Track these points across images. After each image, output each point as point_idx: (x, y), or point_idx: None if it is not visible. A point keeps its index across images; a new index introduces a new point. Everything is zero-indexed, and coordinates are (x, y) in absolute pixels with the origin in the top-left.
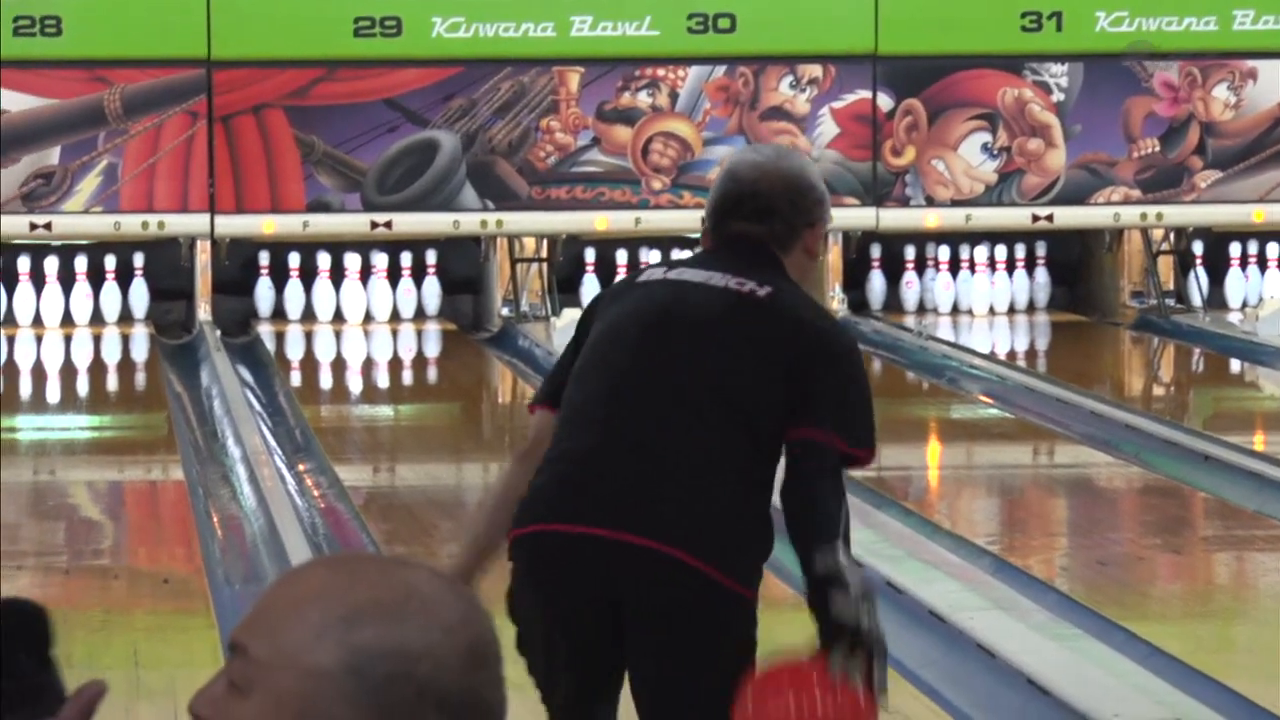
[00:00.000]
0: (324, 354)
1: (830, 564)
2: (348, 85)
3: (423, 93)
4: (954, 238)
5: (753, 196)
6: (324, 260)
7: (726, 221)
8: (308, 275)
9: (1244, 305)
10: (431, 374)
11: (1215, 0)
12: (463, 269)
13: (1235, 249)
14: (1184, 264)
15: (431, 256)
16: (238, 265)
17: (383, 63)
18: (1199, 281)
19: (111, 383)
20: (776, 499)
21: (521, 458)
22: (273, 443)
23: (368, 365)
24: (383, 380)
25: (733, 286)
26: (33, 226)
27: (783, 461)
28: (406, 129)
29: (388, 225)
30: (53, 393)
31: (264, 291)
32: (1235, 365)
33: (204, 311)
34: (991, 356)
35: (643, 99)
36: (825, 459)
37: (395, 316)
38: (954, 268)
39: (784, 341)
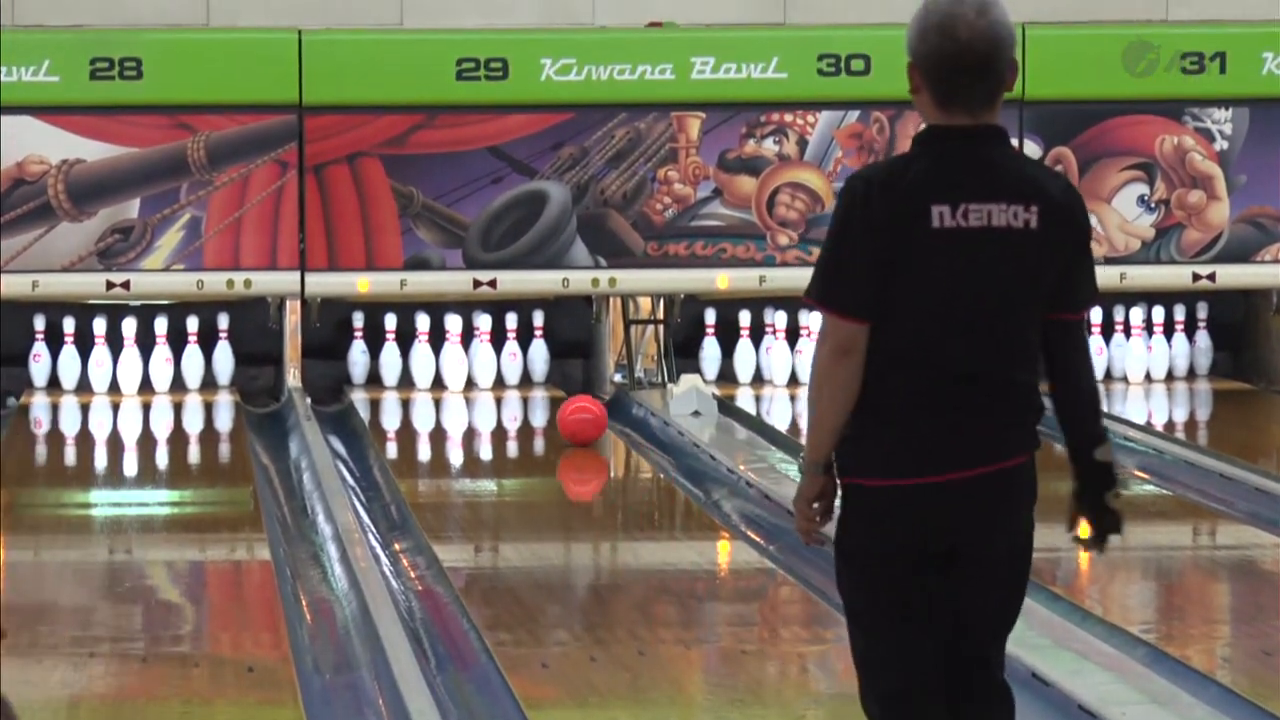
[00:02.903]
0: (422, 424)
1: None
2: (449, 132)
3: (530, 140)
4: (1107, 298)
5: (984, 73)
6: (423, 322)
7: (955, 98)
8: (405, 338)
9: None
10: (539, 445)
11: None
12: (572, 331)
13: None
14: None
15: (539, 318)
16: (330, 327)
17: (487, 108)
18: None
19: (193, 454)
20: None
21: (844, 356)
22: (366, 520)
23: (469, 436)
24: (486, 452)
25: (1015, 226)
26: (109, 285)
27: None
28: (512, 180)
29: (492, 284)
30: (130, 465)
31: (358, 356)
32: None
33: (293, 377)
34: (1147, 428)
35: (769, 147)
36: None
37: (500, 383)
38: (1107, 331)
39: (1056, 252)
